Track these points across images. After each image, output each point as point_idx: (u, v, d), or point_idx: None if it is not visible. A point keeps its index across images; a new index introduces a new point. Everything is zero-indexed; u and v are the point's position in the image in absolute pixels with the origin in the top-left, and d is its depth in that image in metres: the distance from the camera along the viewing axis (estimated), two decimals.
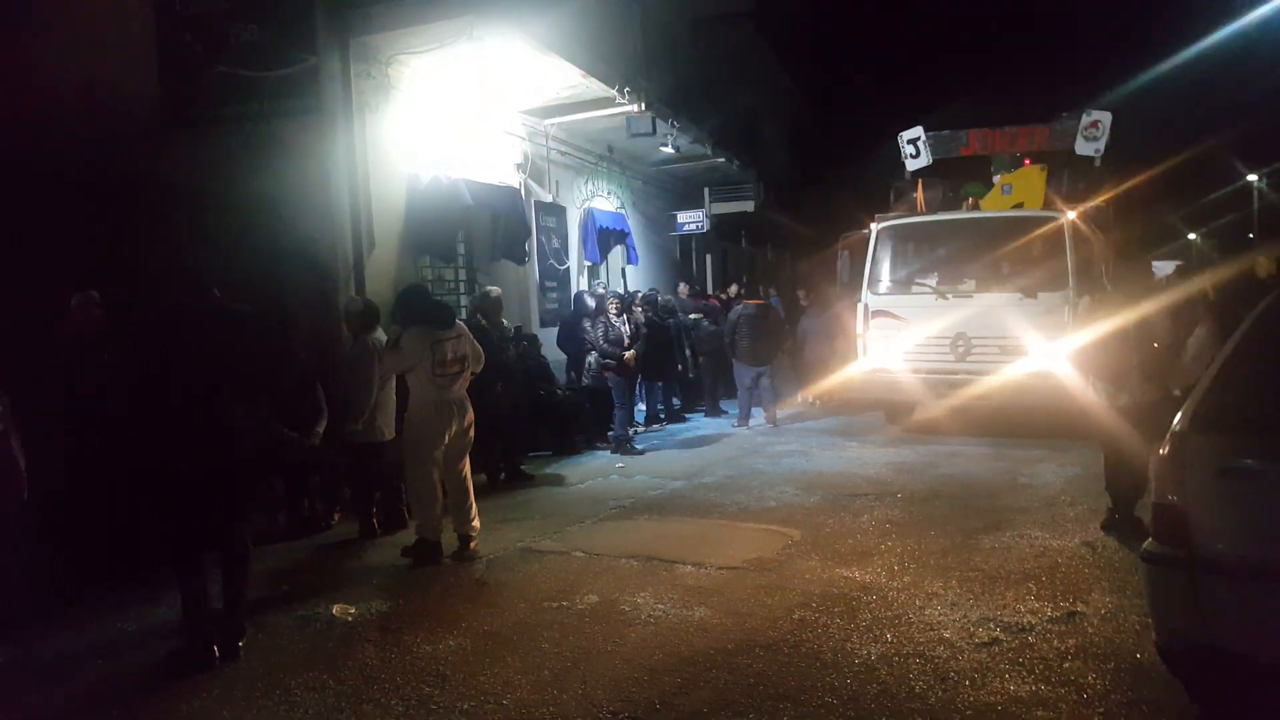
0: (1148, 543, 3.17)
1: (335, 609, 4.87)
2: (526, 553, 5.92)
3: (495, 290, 8.44)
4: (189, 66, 7.54)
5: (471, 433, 6.05)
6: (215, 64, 7.48)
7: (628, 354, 9.51)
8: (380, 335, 6.63)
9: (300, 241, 7.54)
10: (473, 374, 6.09)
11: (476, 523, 5.98)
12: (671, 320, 11.46)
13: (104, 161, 6.70)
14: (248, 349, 4.39)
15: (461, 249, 9.60)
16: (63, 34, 7.23)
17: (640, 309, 10.68)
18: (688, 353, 11.89)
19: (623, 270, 13.52)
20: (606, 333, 9.49)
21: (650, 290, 12.45)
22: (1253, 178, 37.38)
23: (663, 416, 11.60)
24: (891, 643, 4.13)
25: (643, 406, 11.37)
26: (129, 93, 7.50)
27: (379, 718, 3.64)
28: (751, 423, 11.10)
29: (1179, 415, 3.15)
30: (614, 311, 9.71)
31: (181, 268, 4.35)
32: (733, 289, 14.07)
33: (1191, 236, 41.09)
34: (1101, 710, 3.39)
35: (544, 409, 9.38)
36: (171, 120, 7.62)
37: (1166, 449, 3.10)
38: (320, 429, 6.74)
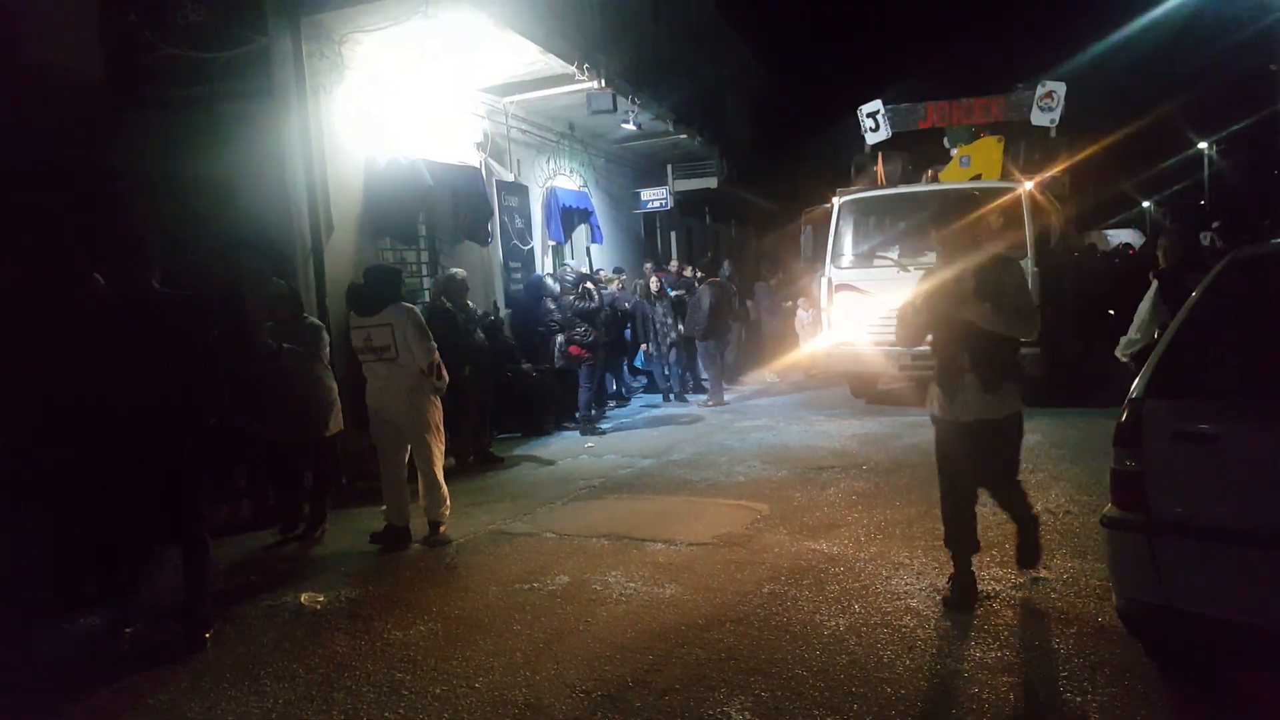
0: (1108, 508, 3.24)
1: (304, 598, 4.83)
2: (497, 535, 5.90)
3: (460, 272, 8.35)
4: (134, 48, 7.30)
5: (428, 418, 5.86)
6: (161, 45, 7.26)
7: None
8: (312, 320, 6.42)
9: (255, 226, 7.39)
10: (421, 369, 5.75)
11: (446, 508, 5.94)
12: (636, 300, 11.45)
13: (47, 147, 6.48)
14: (192, 337, 4.28)
15: (423, 230, 9.48)
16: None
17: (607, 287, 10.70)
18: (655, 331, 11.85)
19: (587, 249, 13.45)
20: (585, 310, 9.50)
21: (615, 268, 12.45)
22: (1203, 145, 38.12)
23: (626, 394, 11.62)
24: (859, 613, 4.19)
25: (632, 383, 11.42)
26: (72, 75, 7.26)
27: (350, 705, 3.62)
28: (701, 399, 11.21)
29: (1136, 381, 3.21)
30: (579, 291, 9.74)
31: (120, 255, 4.22)
32: (672, 265, 14.05)
33: (1145, 204, 41.85)
34: (1065, 674, 3.46)
35: (512, 390, 9.34)
36: (117, 104, 7.39)
37: (1124, 415, 3.16)
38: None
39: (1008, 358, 4.06)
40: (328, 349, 6.32)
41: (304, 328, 6.21)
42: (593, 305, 9.66)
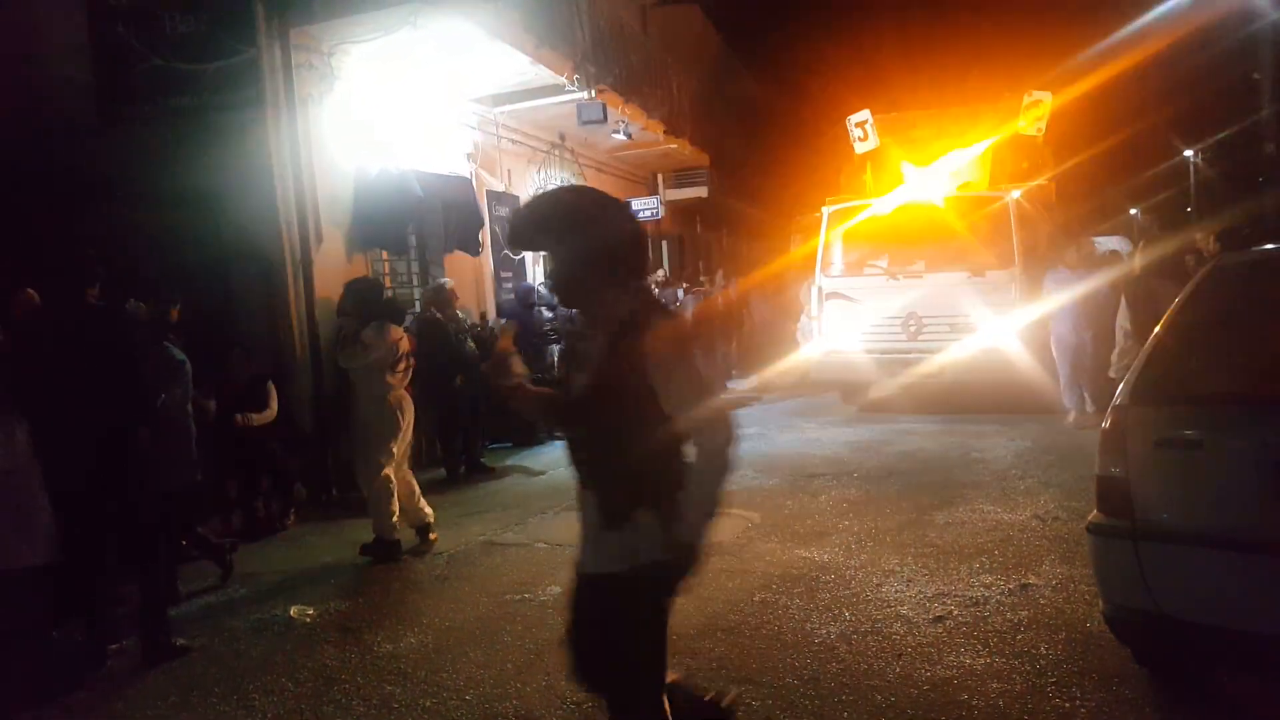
0: (1093, 514, 3.26)
1: (293, 610, 4.81)
2: (488, 546, 5.89)
3: (448, 282, 8.38)
4: (123, 59, 7.33)
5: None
6: (150, 56, 7.28)
7: None
8: (175, 352, 5.21)
9: (244, 237, 7.39)
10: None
11: (429, 509, 6.00)
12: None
13: (36, 156, 6.48)
14: (119, 355, 4.22)
15: (413, 241, 9.49)
16: None
17: None
18: None
19: None
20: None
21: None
22: (1189, 153, 38.41)
23: None
24: (850, 621, 4.19)
25: None
26: (61, 86, 7.27)
27: (340, 719, 3.61)
28: None
29: (1120, 389, 3.24)
30: None
31: (56, 266, 4.20)
32: (659, 274, 13.99)
33: (1133, 212, 42.11)
34: (1054, 680, 3.47)
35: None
36: (106, 114, 7.40)
37: (1108, 422, 3.18)
38: (256, 418, 6.50)
39: (647, 467, 2.28)
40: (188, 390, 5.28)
41: (164, 358, 5.09)
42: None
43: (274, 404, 6.61)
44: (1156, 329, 3.29)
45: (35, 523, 3.82)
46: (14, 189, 6.21)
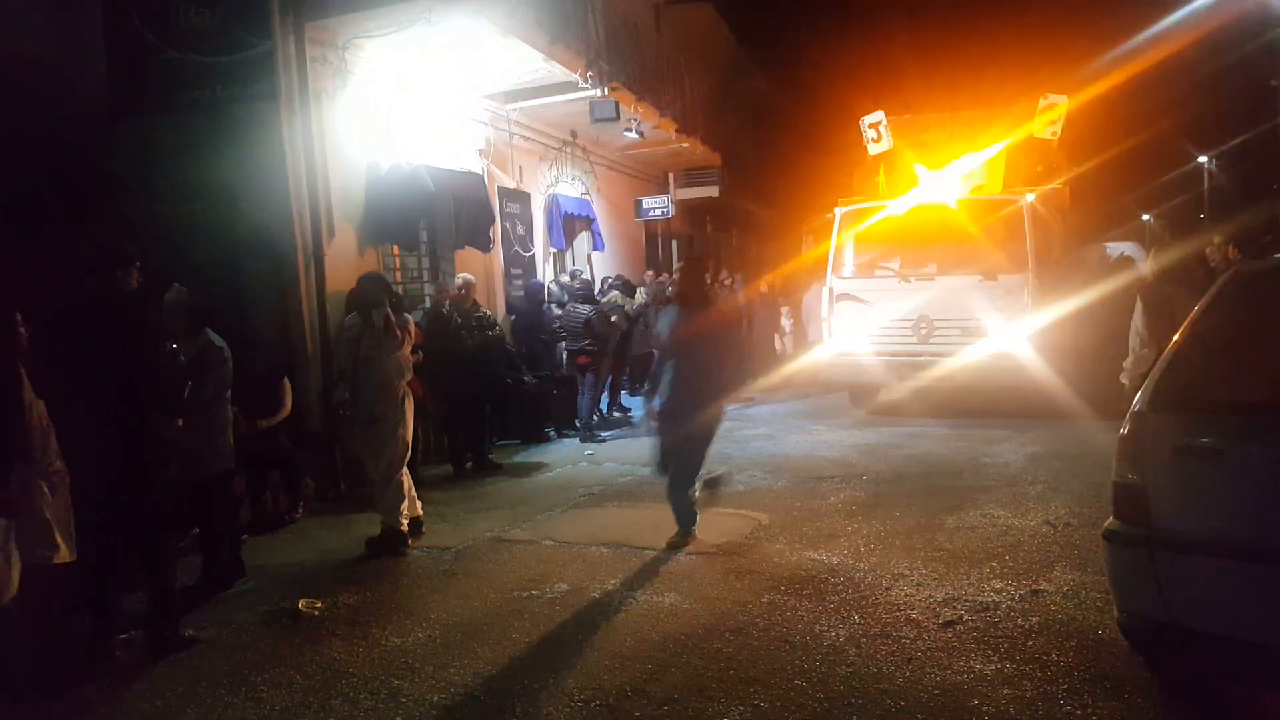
0: (1109, 521, 3.23)
1: (301, 603, 4.80)
2: (496, 542, 5.89)
3: (462, 278, 8.44)
4: (137, 52, 7.34)
5: None
6: (164, 49, 7.29)
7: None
8: (214, 338, 5.19)
9: (257, 230, 7.39)
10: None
11: (419, 503, 6.19)
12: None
13: (50, 150, 6.50)
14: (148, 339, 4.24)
15: (424, 236, 9.49)
16: (2, 19, 6.99)
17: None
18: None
19: (588, 256, 13.46)
20: (600, 332, 9.43)
21: (616, 277, 12.43)
22: (1203, 159, 38.23)
23: (628, 407, 11.60)
24: (859, 624, 4.17)
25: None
26: (75, 79, 7.28)
27: (348, 713, 3.60)
28: None
29: (1139, 395, 3.20)
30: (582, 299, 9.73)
31: (95, 255, 4.18)
32: (649, 275, 13.84)
33: (1146, 218, 41.95)
34: (1065, 687, 3.45)
35: (511, 397, 9.32)
36: (120, 107, 7.41)
37: (1127, 429, 3.15)
38: (268, 421, 6.50)
39: None
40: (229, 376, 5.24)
41: (202, 345, 5.09)
42: (608, 332, 9.53)
43: (288, 401, 6.62)
44: (1175, 335, 3.26)
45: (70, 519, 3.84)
46: (26, 181, 6.23)
